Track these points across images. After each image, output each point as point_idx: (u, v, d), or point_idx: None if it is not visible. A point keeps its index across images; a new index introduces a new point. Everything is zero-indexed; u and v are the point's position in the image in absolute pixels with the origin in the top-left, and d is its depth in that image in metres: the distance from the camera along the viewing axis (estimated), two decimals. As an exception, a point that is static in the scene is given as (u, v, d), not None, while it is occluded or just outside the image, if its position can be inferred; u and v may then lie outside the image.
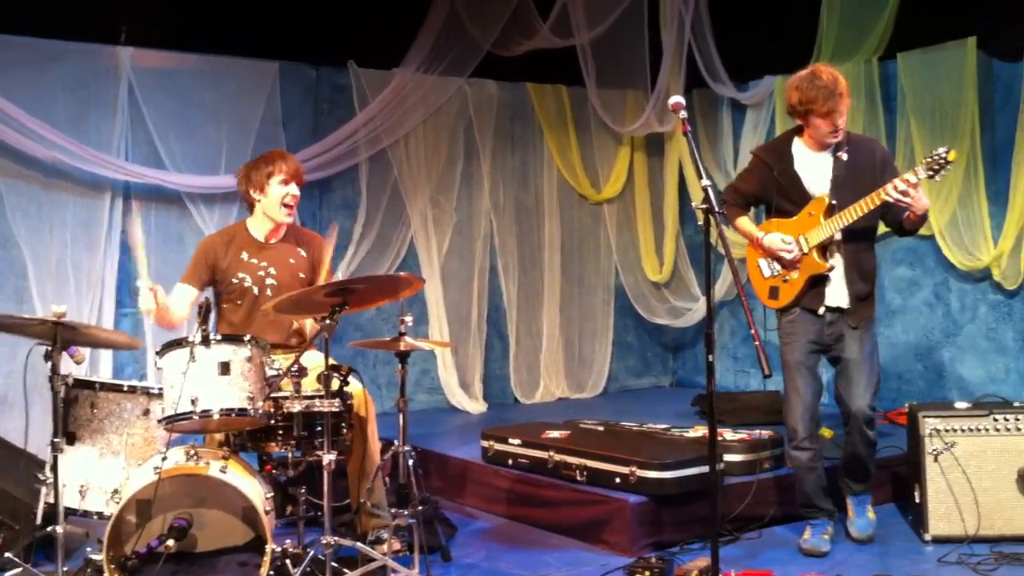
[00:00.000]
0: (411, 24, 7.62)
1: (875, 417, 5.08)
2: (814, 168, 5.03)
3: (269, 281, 5.18)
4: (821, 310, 5.02)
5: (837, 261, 5.01)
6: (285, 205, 5.19)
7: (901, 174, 4.81)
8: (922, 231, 7.02)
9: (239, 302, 5.19)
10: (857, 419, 5.00)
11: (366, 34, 7.67)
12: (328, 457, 4.30)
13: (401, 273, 4.48)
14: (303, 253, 5.30)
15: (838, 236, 4.96)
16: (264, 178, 5.17)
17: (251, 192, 5.22)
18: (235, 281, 5.17)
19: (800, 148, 5.08)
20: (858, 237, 5.01)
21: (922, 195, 4.75)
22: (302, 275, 5.25)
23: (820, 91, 4.78)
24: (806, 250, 4.98)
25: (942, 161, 4.66)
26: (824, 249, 5.00)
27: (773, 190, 5.09)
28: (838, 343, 5.05)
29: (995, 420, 5.20)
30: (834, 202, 4.93)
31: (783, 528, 5.40)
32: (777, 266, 5.10)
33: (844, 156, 4.98)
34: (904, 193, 4.68)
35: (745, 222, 5.24)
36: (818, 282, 5.03)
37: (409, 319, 4.86)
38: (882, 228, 5.27)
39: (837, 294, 5.02)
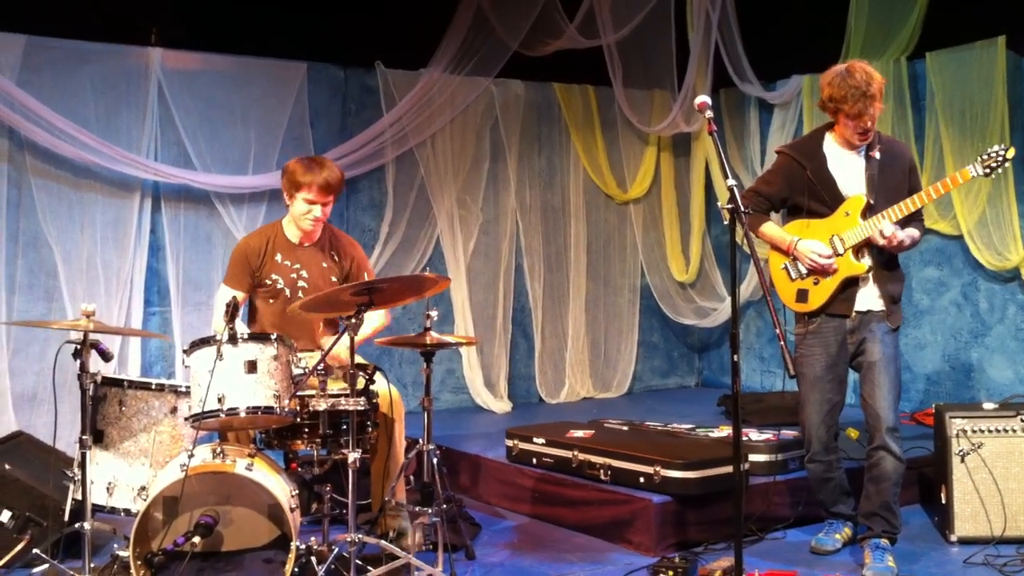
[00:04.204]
0: (438, 25, 7.65)
1: (900, 427, 4.89)
2: (847, 167, 4.87)
3: (301, 284, 5.21)
4: (853, 315, 4.87)
5: (867, 263, 4.84)
6: (307, 219, 5.18)
7: (924, 178, 4.75)
8: (950, 231, 7.03)
9: (271, 301, 5.24)
10: (882, 423, 4.81)
11: (394, 35, 7.71)
12: (353, 455, 4.32)
13: (427, 273, 4.49)
14: (335, 258, 5.32)
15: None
16: (294, 188, 5.14)
17: (284, 193, 5.25)
18: (268, 283, 5.20)
19: (832, 146, 4.91)
20: None
21: (902, 237, 4.73)
22: (333, 279, 5.27)
23: (851, 91, 4.63)
24: (841, 251, 4.81)
25: (1000, 158, 4.61)
26: (857, 250, 4.84)
27: (803, 190, 4.92)
28: (862, 348, 4.89)
29: (1023, 421, 5.17)
30: (872, 201, 4.79)
31: (808, 528, 5.37)
32: (804, 268, 4.91)
33: (877, 155, 4.85)
34: (888, 240, 4.69)
35: (771, 227, 5.02)
36: (849, 285, 4.86)
37: (435, 314, 4.87)
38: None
39: (868, 297, 4.87)
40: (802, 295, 4.95)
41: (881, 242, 4.72)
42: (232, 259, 5.28)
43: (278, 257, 5.22)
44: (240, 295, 5.16)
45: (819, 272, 4.87)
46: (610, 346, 8.91)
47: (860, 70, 4.68)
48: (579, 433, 5.95)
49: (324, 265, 5.27)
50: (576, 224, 8.72)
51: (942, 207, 7.04)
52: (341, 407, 4.40)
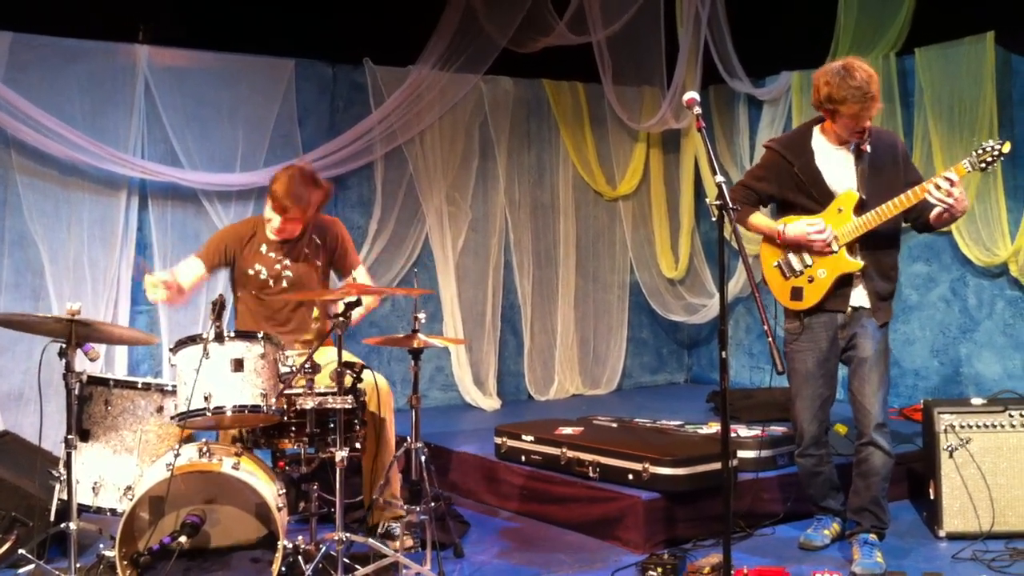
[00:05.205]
0: (427, 21, 7.62)
1: (888, 422, 4.87)
2: (836, 162, 4.82)
3: (286, 274, 5.23)
4: (847, 310, 4.82)
5: (861, 260, 4.77)
6: (270, 227, 5.22)
7: (918, 173, 4.71)
8: (939, 226, 7.03)
9: (254, 292, 5.24)
10: (871, 418, 4.80)
11: (382, 31, 7.68)
12: (340, 454, 4.31)
13: (413, 288, 4.49)
14: (318, 241, 5.33)
15: None
16: (267, 196, 5.22)
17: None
18: (251, 272, 5.22)
19: (820, 141, 4.86)
20: (882, 234, 4.76)
21: (964, 194, 4.55)
22: (319, 263, 5.29)
23: (852, 92, 4.53)
24: (836, 249, 4.75)
25: (996, 153, 4.51)
26: (851, 248, 4.76)
27: (791, 186, 4.88)
28: (852, 343, 4.86)
29: (1011, 416, 5.18)
30: (864, 197, 4.72)
31: (797, 524, 5.37)
32: (798, 265, 4.85)
33: (867, 148, 4.78)
34: (948, 193, 4.49)
35: (759, 218, 4.99)
36: (844, 282, 4.80)
37: (423, 316, 4.86)
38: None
39: (860, 294, 4.82)
40: (797, 293, 4.89)
41: (940, 195, 4.54)
42: (214, 237, 5.43)
43: (263, 248, 5.24)
44: (201, 268, 5.25)
45: (818, 252, 4.79)
46: (599, 343, 8.90)
47: (860, 69, 4.59)
48: (568, 430, 5.94)
49: (307, 251, 5.29)
50: (565, 221, 8.70)
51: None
52: (328, 405, 4.39)
